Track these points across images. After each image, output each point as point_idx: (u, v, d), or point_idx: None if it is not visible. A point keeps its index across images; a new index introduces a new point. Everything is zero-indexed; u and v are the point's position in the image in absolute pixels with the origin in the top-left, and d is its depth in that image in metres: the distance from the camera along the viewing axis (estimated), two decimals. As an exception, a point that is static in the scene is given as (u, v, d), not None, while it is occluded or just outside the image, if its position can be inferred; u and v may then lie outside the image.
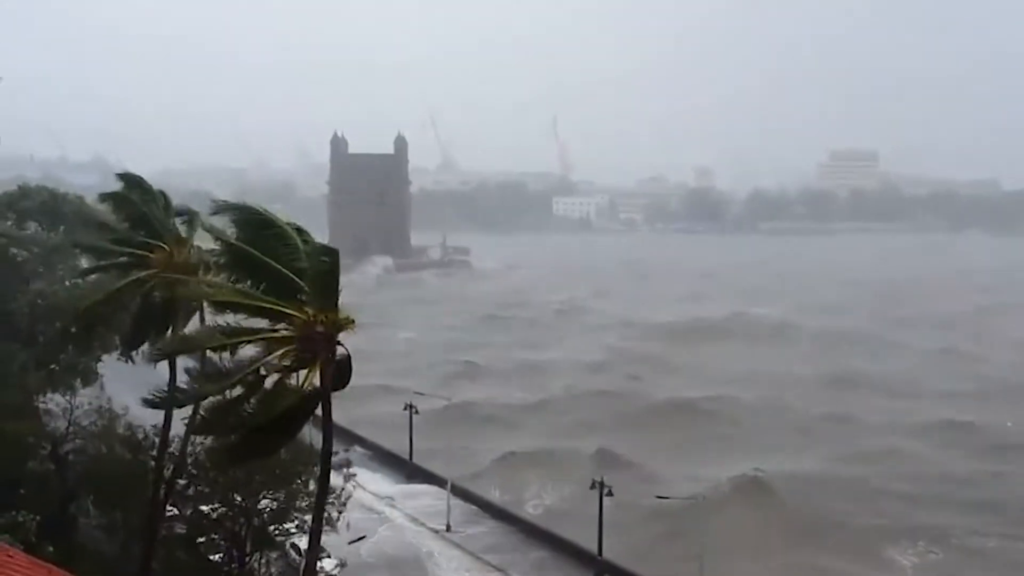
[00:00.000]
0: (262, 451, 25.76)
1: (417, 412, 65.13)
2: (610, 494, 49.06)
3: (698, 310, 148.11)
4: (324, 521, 28.31)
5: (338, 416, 24.44)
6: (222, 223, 25.07)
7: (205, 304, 26.60)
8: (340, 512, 37.30)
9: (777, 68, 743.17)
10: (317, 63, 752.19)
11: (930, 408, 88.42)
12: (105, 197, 33.61)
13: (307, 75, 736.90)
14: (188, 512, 35.92)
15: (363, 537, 40.17)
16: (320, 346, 23.00)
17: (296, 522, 36.85)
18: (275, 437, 24.36)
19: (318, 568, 32.00)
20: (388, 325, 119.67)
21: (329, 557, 41.13)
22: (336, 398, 23.61)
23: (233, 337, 23.53)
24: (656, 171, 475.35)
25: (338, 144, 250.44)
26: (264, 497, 35.85)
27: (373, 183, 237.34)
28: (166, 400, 27.53)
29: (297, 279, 23.37)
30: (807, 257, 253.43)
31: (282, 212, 26.30)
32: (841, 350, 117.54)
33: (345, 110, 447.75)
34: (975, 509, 62.53)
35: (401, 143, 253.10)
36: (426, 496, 61.38)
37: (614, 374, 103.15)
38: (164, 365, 29.22)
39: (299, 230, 24.44)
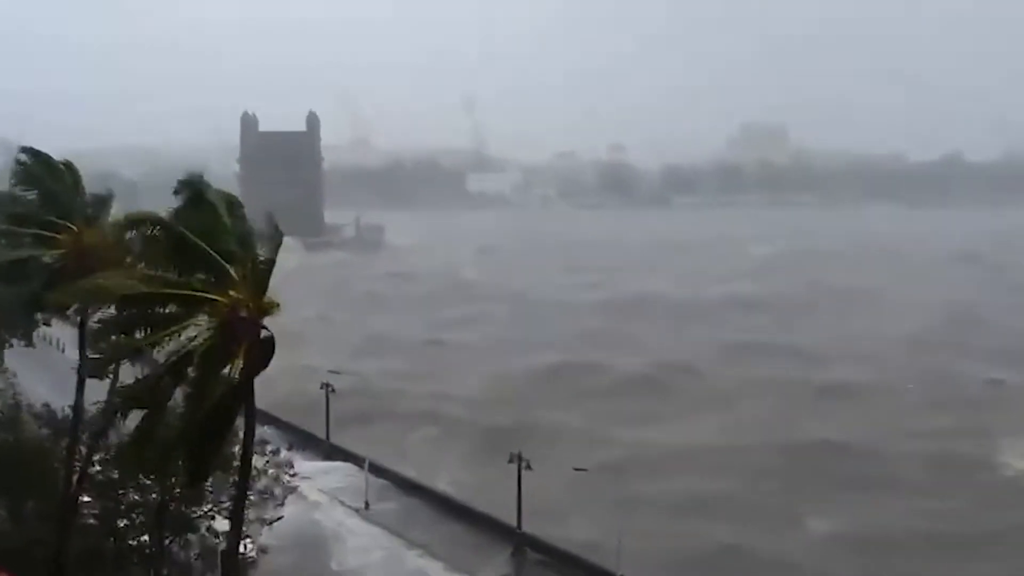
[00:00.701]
0: (202, 457, 23.25)
1: (333, 391, 65.01)
2: (528, 467, 49.27)
3: (614, 285, 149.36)
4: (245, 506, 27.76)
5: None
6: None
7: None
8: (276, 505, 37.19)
9: (690, 38, 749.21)
10: (227, 38, 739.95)
11: (832, 373, 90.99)
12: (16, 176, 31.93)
13: (218, 51, 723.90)
14: (102, 497, 35.14)
15: (281, 518, 39.79)
16: (244, 331, 22.26)
17: (215, 505, 36.31)
18: (213, 439, 22.90)
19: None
20: (298, 303, 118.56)
21: (249, 539, 40.63)
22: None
23: (156, 332, 22.29)
24: (570, 146, 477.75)
25: (248, 122, 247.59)
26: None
27: (285, 161, 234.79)
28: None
29: (223, 262, 22.59)
30: (716, 230, 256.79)
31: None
32: (747, 320, 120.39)
33: (257, 88, 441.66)
34: (881, 476, 64.07)
35: (313, 120, 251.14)
36: (342, 474, 60.92)
37: (533, 350, 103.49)
38: (72, 348, 28.49)
39: (233, 204, 23.64)
